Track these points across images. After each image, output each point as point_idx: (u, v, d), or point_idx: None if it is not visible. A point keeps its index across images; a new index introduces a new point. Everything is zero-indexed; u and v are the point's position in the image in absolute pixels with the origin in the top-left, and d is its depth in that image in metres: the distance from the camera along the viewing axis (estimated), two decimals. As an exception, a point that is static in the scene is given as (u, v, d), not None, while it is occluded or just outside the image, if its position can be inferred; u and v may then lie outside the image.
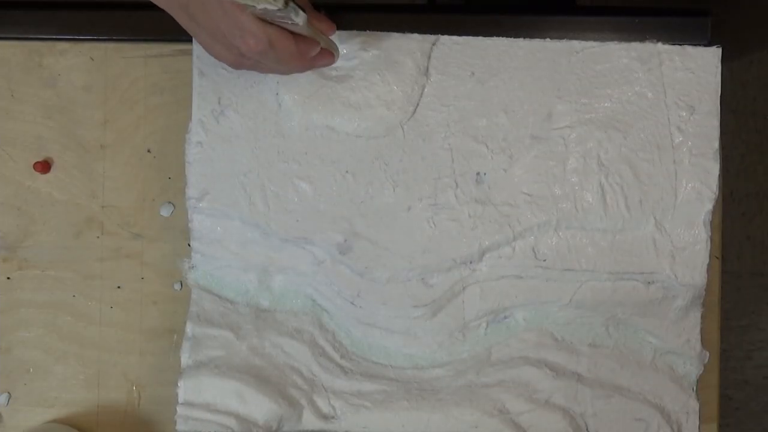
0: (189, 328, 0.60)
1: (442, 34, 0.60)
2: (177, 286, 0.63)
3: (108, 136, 0.63)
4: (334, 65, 0.58)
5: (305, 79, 0.58)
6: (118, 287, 0.63)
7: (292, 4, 0.46)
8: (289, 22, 0.48)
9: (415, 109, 0.59)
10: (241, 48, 0.49)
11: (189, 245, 0.61)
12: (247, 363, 0.59)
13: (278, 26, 0.49)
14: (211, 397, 0.58)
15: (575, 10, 0.67)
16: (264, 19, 0.47)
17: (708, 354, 0.60)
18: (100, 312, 0.63)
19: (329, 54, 0.55)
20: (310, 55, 0.53)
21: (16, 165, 0.63)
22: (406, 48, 0.59)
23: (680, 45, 0.59)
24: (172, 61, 0.62)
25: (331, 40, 0.56)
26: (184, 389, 0.58)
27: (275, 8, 0.45)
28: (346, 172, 0.59)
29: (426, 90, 0.59)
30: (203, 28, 0.49)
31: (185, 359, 0.59)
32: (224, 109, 0.60)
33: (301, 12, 0.47)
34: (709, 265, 0.59)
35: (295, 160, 0.59)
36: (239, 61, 0.52)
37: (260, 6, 0.44)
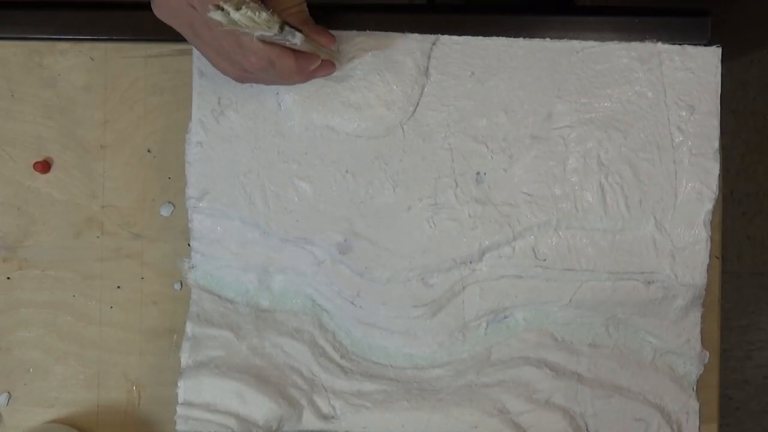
0: (189, 328, 0.60)
1: (442, 34, 0.60)
2: (177, 286, 0.63)
3: (108, 136, 0.63)
4: (334, 65, 0.58)
5: (305, 79, 0.59)
6: (118, 287, 0.63)
7: (287, 28, 0.47)
8: (288, 43, 0.49)
9: (415, 109, 0.59)
10: (243, 65, 0.51)
11: (189, 245, 0.61)
12: (247, 363, 0.59)
13: (278, 44, 0.50)
14: (211, 397, 0.58)
15: (575, 10, 0.67)
16: (264, 39, 0.48)
17: (708, 354, 0.60)
18: (100, 312, 0.63)
19: (330, 64, 0.56)
20: (310, 68, 0.54)
21: (16, 165, 0.63)
22: (406, 48, 0.59)
23: (680, 45, 0.59)
24: (172, 61, 0.62)
25: (332, 51, 0.56)
26: (184, 389, 0.58)
27: (271, 34, 0.46)
28: (346, 172, 0.59)
29: (426, 90, 0.59)
30: (208, 45, 0.51)
31: (185, 359, 0.59)
32: (224, 109, 0.60)
33: (297, 34, 0.49)
34: (709, 265, 0.59)
35: (295, 160, 0.59)
36: (243, 75, 0.53)
37: (257, 33, 0.45)
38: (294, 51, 0.51)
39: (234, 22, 0.44)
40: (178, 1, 0.47)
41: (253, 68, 0.51)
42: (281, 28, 0.46)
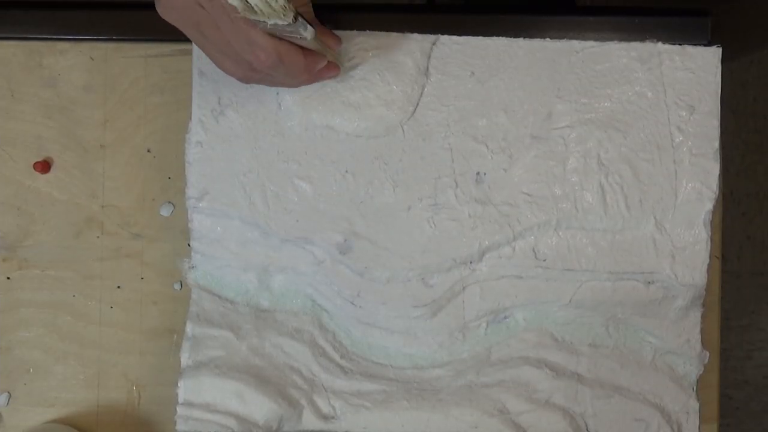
0: (189, 328, 0.60)
1: (442, 34, 0.60)
2: (177, 286, 0.63)
3: (108, 136, 0.63)
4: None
5: (305, 78, 0.59)
6: (118, 287, 0.63)
7: (300, 19, 0.47)
8: (298, 36, 0.49)
9: (415, 109, 0.59)
10: (252, 63, 0.50)
11: (189, 245, 0.61)
12: (247, 363, 0.59)
13: (287, 41, 0.50)
14: (211, 397, 0.58)
15: (575, 10, 0.67)
16: (273, 35, 0.48)
17: (708, 354, 0.60)
18: (100, 312, 0.63)
19: (335, 66, 0.56)
20: (318, 68, 0.54)
21: (16, 165, 0.63)
22: (406, 48, 0.59)
23: (680, 45, 0.59)
24: (172, 61, 0.62)
25: (336, 53, 0.56)
26: (184, 389, 0.58)
27: (285, 23, 0.46)
28: (346, 171, 0.59)
29: (426, 90, 0.59)
30: (214, 45, 0.50)
31: (185, 359, 0.59)
32: (224, 108, 0.60)
33: (309, 27, 0.48)
34: (709, 265, 0.59)
35: (294, 159, 0.60)
36: (249, 75, 0.53)
37: (271, 21, 0.45)
38: (302, 48, 0.51)
39: (250, 8, 0.44)
40: (185, 0, 0.47)
41: (262, 65, 0.50)
42: (295, 18, 0.46)
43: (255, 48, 0.49)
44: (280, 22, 0.45)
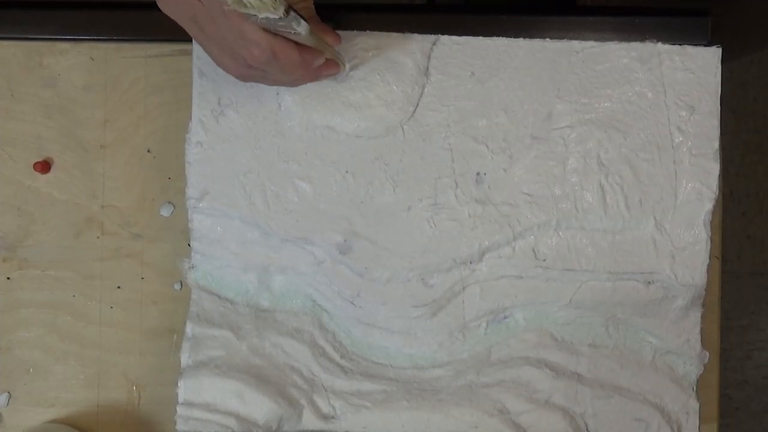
0: (189, 328, 0.60)
1: (442, 34, 0.60)
2: (177, 286, 0.63)
3: (108, 136, 0.63)
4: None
5: (305, 79, 0.59)
6: (118, 287, 0.63)
7: (293, 13, 0.46)
8: (292, 32, 0.48)
9: (415, 109, 0.59)
10: (246, 58, 0.50)
11: (189, 245, 0.61)
12: (247, 363, 0.59)
13: (282, 37, 0.49)
14: (211, 397, 0.58)
15: (575, 10, 0.67)
16: (268, 30, 0.48)
17: (708, 354, 0.60)
18: (100, 312, 0.63)
19: (334, 64, 0.56)
20: (315, 65, 0.53)
21: (16, 165, 0.63)
22: (406, 48, 0.59)
23: (680, 45, 0.59)
24: (172, 61, 0.63)
25: (337, 51, 0.56)
26: (184, 389, 0.58)
27: (276, 17, 0.45)
28: (346, 172, 0.59)
29: (426, 90, 0.59)
30: (211, 40, 0.50)
31: (185, 359, 0.59)
32: (224, 109, 0.60)
33: (302, 21, 0.48)
34: (709, 265, 0.59)
35: (295, 160, 0.60)
36: (246, 72, 0.52)
37: (262, 15, 0.45)
38: (298, 45, 0.51)
39: (240, 2, 0.43)
40: None
41: (256, 61, 0.50)
42: (287, 12, 0.45)
43: (248, 43, 0.48)
44: (271, 16, 0.45)
